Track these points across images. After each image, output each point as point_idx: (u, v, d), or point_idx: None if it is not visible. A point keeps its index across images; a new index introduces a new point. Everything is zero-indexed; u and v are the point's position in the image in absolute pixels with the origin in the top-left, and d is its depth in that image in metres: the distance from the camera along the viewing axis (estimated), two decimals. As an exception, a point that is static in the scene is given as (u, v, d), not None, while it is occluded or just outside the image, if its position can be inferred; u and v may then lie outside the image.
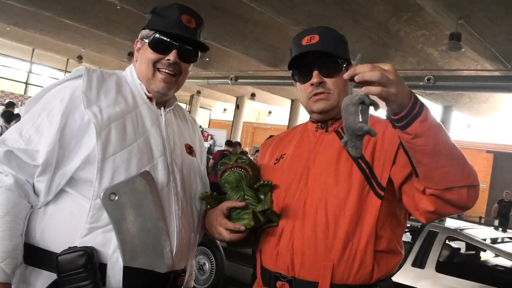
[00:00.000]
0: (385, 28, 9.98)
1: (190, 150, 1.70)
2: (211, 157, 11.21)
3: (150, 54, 1.57)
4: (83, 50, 17.21)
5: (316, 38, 1.52)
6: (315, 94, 1.53)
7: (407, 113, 1.17)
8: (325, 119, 1.58)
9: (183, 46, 1.58)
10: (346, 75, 1.16)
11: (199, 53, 1.66)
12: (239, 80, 16.22)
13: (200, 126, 18.46)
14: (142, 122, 1.55)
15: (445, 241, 3.98)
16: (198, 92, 22.87)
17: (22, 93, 20.53)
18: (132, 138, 1.48)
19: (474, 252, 4.72)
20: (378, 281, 1.44)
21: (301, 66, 1.56)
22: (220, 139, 18.03)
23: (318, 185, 1.49)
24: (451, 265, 4.19)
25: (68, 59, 20.26)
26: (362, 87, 1.15)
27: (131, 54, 15.05)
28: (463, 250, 4.69)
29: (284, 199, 1.52)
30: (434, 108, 16.16)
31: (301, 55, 1.52)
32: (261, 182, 1.54)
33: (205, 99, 24.85)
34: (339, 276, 1.40)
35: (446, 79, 10.97)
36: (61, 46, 17.08)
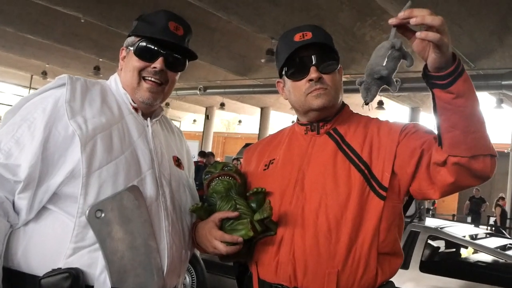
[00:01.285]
0: (351, 33, 10.09)
1: (178, 162, 1.63)
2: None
3: (135, 62, 1.50)
4: (47, 65, 16.85)
5: (309, 34, 1.48)
6: (314, 90, 1.48)
7: (453, 70, 1.15)
8: (321, 117, 1.53)
9: (170, 53, 1.51)
10: (396, 19, 1.13)
11: (187, 62, 1.59)
12: (208, 90, 16.17)
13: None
14: (128, 134, 1.47)
15: (427, 240, 4.00)
16: (167, 104, 22.62)
17: (-15, 112, 19.96)
18: (118, 150, 1.40)
19: (455, 249, 4.77)
20: (381, 285, 1.40)
21: (296, 62, 1.51)
22: (192, 150, 17.84)
23: (316, 190, 1.43)
24: (435, 264, 4.22)
25: (32, 75, 19.77)
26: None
27: (97, 68, 14.83)
28: (444, 249, 4.73)
29: (280, 206, 1.46)
30: (401, 110, 16.43)
31: (295, 51, 1.47)
32: (255, 189, 1.47)
33: (174, 110, 24.64)
34: (343, 282, 1.35)
35: (412, 81, 11.15)
36: (24, 62, 16.69)
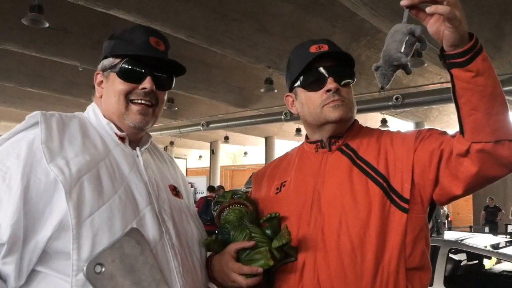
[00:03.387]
0: (347, 55, 10.12)
1: (175, 191, 1.48)
2: (195, 205, 11.05)
3: (120, 85, 1.35)
4: (49, 117, 16.98)
5: (325, 47, 1.46)
6: (332, 101, 1.44)
7: (471, 47, 1.13)
8: (336, 132, 1.48)
9: (157, 71, 1.38)
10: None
11: (174, 80, 1.46)
12: (211, 125, 16.20)
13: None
14: (118, 169, 1.31)
15: (448, 254, 3.90)
16: (172, 143, 22.71)
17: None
18: (110, 190, 1.23)
19: (477, 261, 4.64)
20: None
21: (312, 73, 1.47)
22: (201, 186, 17.92)
23: (334, 209, 1.37)
24: (459, 278, 4.10)
25: (35, 129, 19.94)
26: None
27: (99, 115, 14.90)
28: (467, 261, 4.61)
29: (298, 230, 1.40)
30: (406, 126, 16.37)
31: (311, 62, 1.44)
32: (268, 215, 1.41)
33: (179, 148, 24.69)
34: None
35: (413, 96, 11.15)
36: (26, 115, 16.82)
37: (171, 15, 7.57)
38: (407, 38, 1.11)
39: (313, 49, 1.46)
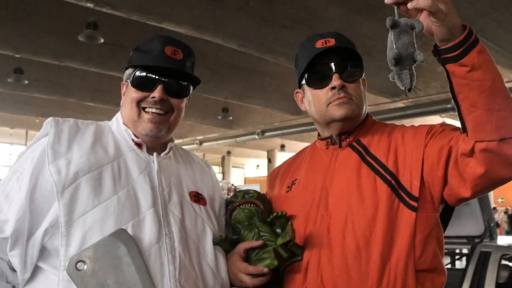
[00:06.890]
0: (402, 58, 9.88)
1: (196, 197, 1.49)
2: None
3: (133, 93, 1.43)
4: (111, 130, 17.61)
5: (332, 41, 1.42)
6: (337, 99, 1.40)
7: (463, 40, 1.08)
8: (343, 129, 1.45)
9: (169, 80, 1.42)
10: None
11: (191, 87, 1.50)
12: (266, 134, 16.25)
13: (232, 184, 18.39)
14: (126, 172, 1.36)
15: (500, 260, 3.69)
16: (229, 152, 23.01)
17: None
18: (110, 191, 1.29)
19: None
20: None
21: (317, 70, 1.44)
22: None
23: (341, 207, 1.34)
24: (513, 286, 3.87)
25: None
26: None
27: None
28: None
29: (305, 228, 1.38)
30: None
31: (316, 58, 1.41)
32: (275, 214, 1.41)
33: (237, 158, 24.94)
34: None
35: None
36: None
37: (221, 25, 7.70)
38: (392, 35, 1.09)
39: (319, 44, 1.42)
